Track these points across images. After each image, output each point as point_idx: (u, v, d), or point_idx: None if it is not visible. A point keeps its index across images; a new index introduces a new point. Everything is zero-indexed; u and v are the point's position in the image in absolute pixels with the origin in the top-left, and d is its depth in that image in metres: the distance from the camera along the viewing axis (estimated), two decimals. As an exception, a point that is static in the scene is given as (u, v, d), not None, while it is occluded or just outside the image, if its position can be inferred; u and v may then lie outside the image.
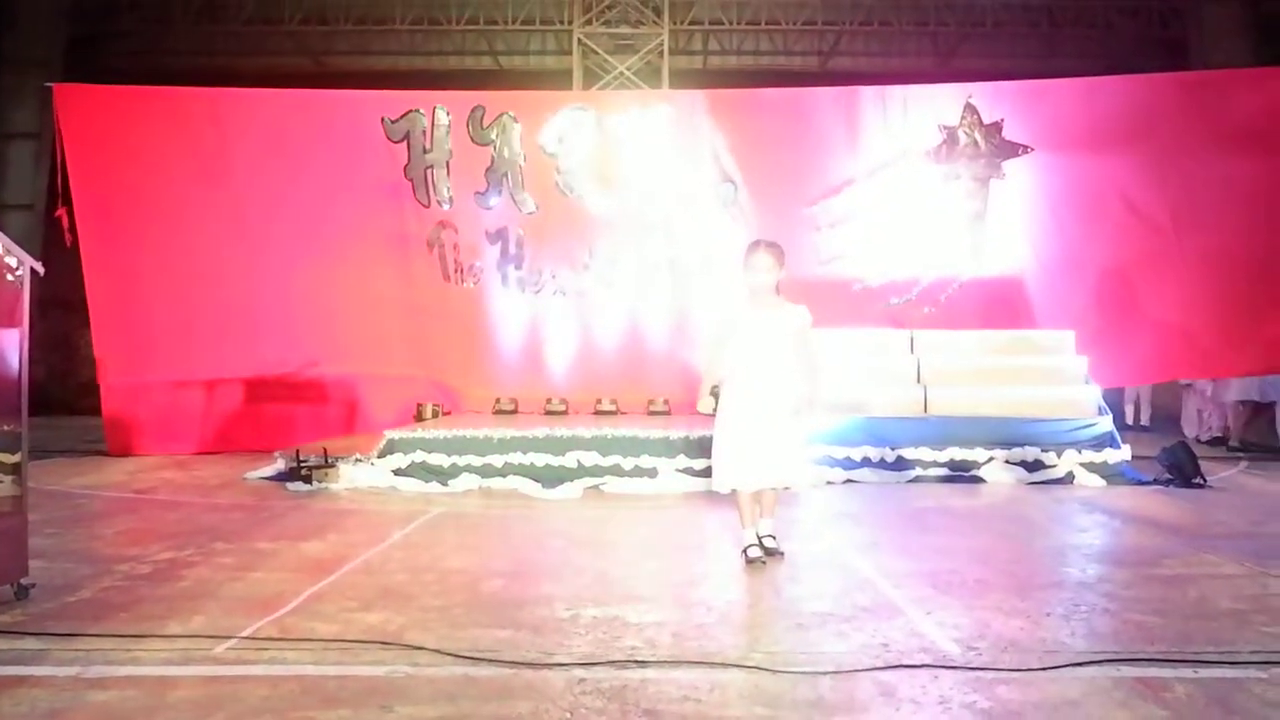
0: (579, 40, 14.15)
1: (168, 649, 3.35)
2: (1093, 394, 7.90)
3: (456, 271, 9.69)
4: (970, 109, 9.68)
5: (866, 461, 7.50)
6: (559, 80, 14.47)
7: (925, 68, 15.38)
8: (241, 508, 6.22)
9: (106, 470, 8.03)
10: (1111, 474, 7.34)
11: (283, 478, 7.25)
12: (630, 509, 6.39)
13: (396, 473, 7.16)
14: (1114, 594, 4.15)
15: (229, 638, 3.47)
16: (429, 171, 9.63)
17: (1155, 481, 7.27)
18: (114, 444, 8.97)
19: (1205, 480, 7.19)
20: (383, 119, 9.58)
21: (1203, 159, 9.18)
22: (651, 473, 7.14)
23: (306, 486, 6.96)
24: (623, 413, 9.07)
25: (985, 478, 7.41)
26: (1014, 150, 9.61)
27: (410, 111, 9.61)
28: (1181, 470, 7.21)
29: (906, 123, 9.73)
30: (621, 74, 13.81)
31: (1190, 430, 10.39)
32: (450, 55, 16.01)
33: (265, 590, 4.15)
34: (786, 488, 4.84)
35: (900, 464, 7.48)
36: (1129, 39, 14.93)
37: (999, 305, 9.43)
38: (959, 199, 9.68)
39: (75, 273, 9.06)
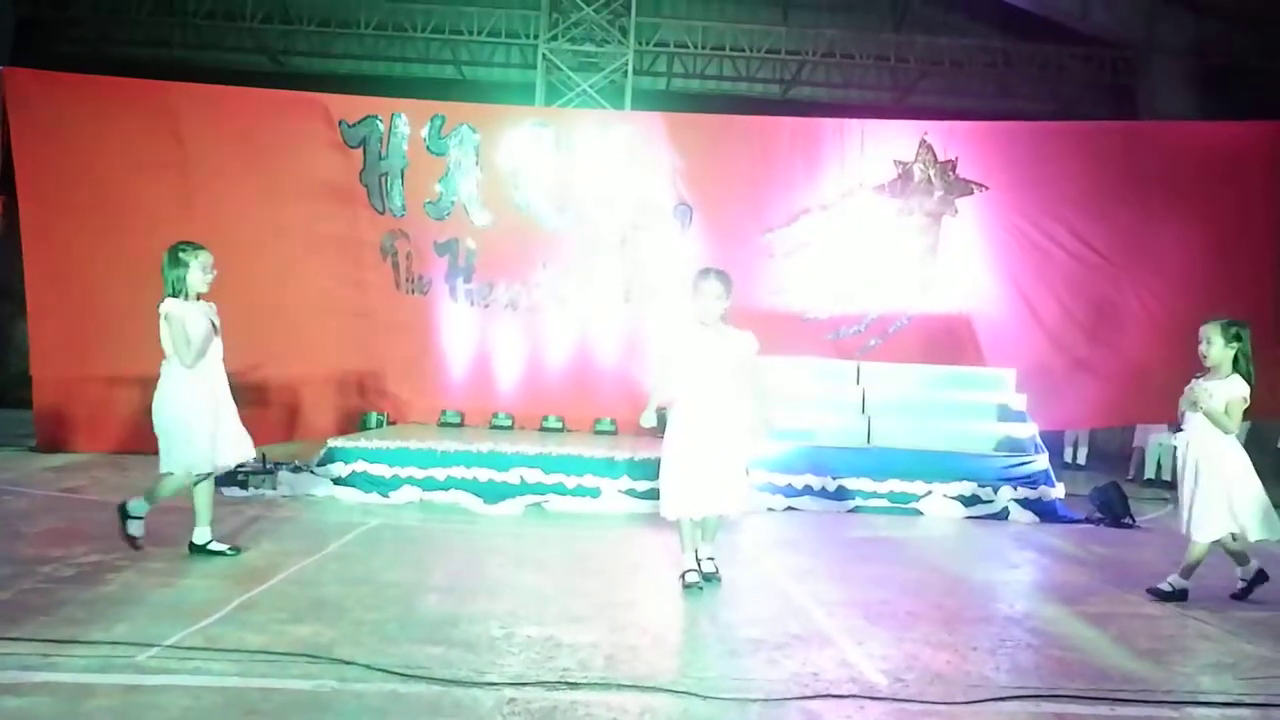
0: (543, 55, 14.21)
1: (88, 655, 3.30)
2: (1030, 431, 8.09)
3: (408, 280, 9.66)
4: (925, 146, 9.90)
5: (808, 490, 7.60)
6: (521, 94, 14.51)
7: (884, 102, 15.72)
8: (174, 511, 6.09)
9: (34, 466, 7.84)
10: (1045, 511, 7.53)
11: (219, 482, 7.11)
12: (572, 528, 6.40)
13: (336, 481, 7.10)
14: (1039, 630, 4.26)
15: (152, 646, 3.42)
16: (384, 179, 9.60)
17: (1086, 520, 7.47)
18: (44, 439, 8.76)
19: (1134, 520, 7.41)
20: (340, 122, 9.53)
21: (1150, 206, 9.48)
22: (595, 493, 7.15)
23: (243, 492, 6.88)
24: (569, 430, 9.07)
25: (923, 511, 7.55)
26: (968, 188, 9.84)
27: (368, 116, 9.58)
28: (1112, 510, 7.42)
29: (863, 156, 9.91)
30: (584, 91, 13.89)
31: (1148, 472, 10.55)
32: (413, 62, 15.99)
33: (194, 598, 4.10)
34: (725, 514, 4.89)
35: (841, 493, 7.60)
36: (1080, 84, 15.42)
37: (945, 341, 9.62)
38: (911, 234, 9.86)
39: (16, 260, 8.86)
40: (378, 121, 9.60)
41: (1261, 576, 4.95)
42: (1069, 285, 9.63)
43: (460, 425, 9.12)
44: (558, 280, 9.71)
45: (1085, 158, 9.63)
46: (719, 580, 4.79)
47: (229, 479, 7.03)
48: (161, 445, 4.86)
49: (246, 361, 9.00)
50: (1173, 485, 9.61)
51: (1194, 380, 4.98)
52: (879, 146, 9.91)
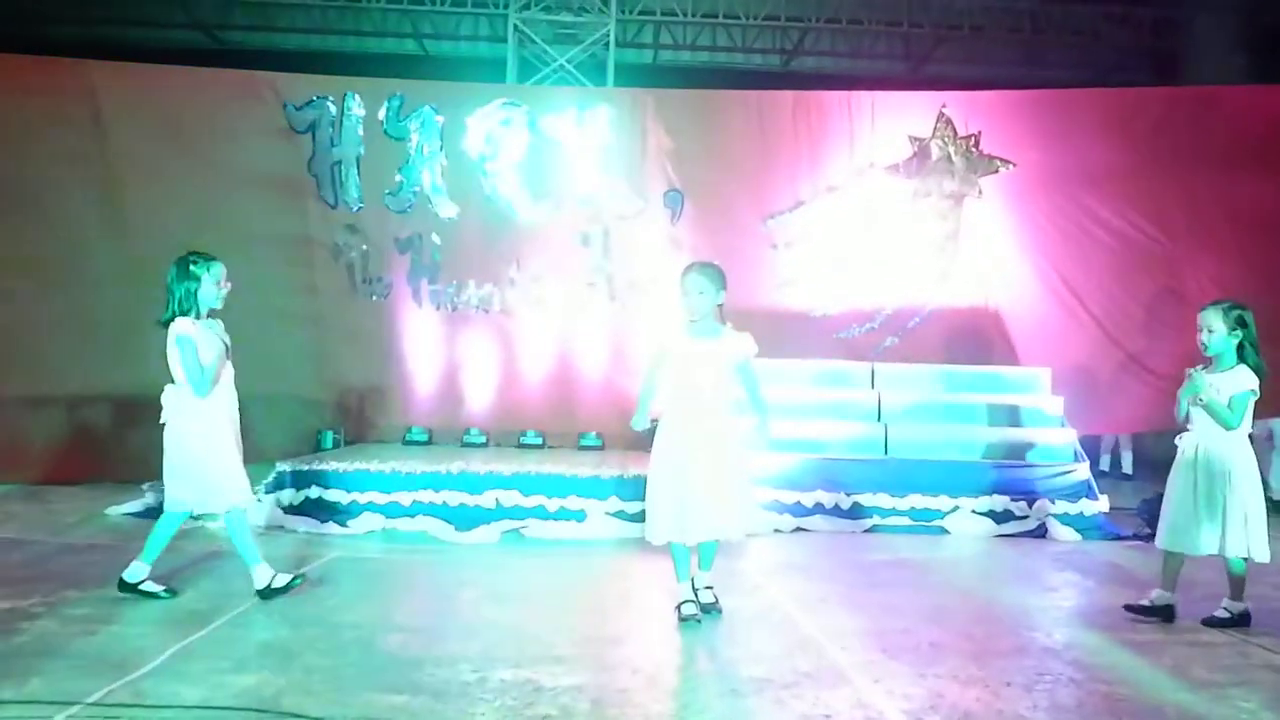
0: (515, 27, 14.19)
1: (-2, 716, 3.26)
2: (1068, 438, 8.09)
3: (365, 282, 9.63)
4: (944, 119, 9.91)
5: (819, 508, 7.58)
6: (491, 71, 14.47)
7: (896, 73, 15.72)
8: (100, 548, 6.07)
9: (-56, 501, 7.78)
10: (1087, 527, 7.53)
11: (152, 514, 7.04)
12: (554, 556, 6.38)
13: (287, 510, 7.07)
14: (1081, 662, 4.25)
15: (72, 704, 3.38)
16: (336, 168, 9.58)
17: (1134, 536, 7.46)
18: (-48, 469, 8.69)
19: (1187, 536, 7.38)
20: (285, 105, 9.51)
21: (1206, 179, 9.46)
22: (579, 516, 7.13)
23: (180, 524, 6.83)
24: (550, 447, 9.04)
25: (950, 529, 7.55)
26: (993, 165, 9.85)
27: (317, 98, 9.56)
28: (1162, 524, 7.40)
29: (874, 133, 9.92)
30: (562, 67, 13.87)
31: None
32: (368, 36, 15.93)
33: (122, 647, 4.06)
34: (726, 539, 4.88)
35: (856, 511, 7.59)
36: (1117, 49, 15.40)
37: (970, 338, 9.62)
38: (930, 219, 9.87)
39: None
40: (328, 103, 9.58)
41: (1247, 618, 4.90)
42: (1114, 271, 9.58)
43: (427, 444, 9.08)
44: (534, 279, 9.69)
45: (1125, 129, 9.62)
46: (719, 612, 4.78)
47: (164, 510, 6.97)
48: (170, 481, 4.91)
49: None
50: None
51: (1192, 370, 4.99)
52: (892, 121, 9.92)
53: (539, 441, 9.09)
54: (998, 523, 7.53)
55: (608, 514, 7.14)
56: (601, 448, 9.01)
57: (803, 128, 9.93)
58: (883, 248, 9.79)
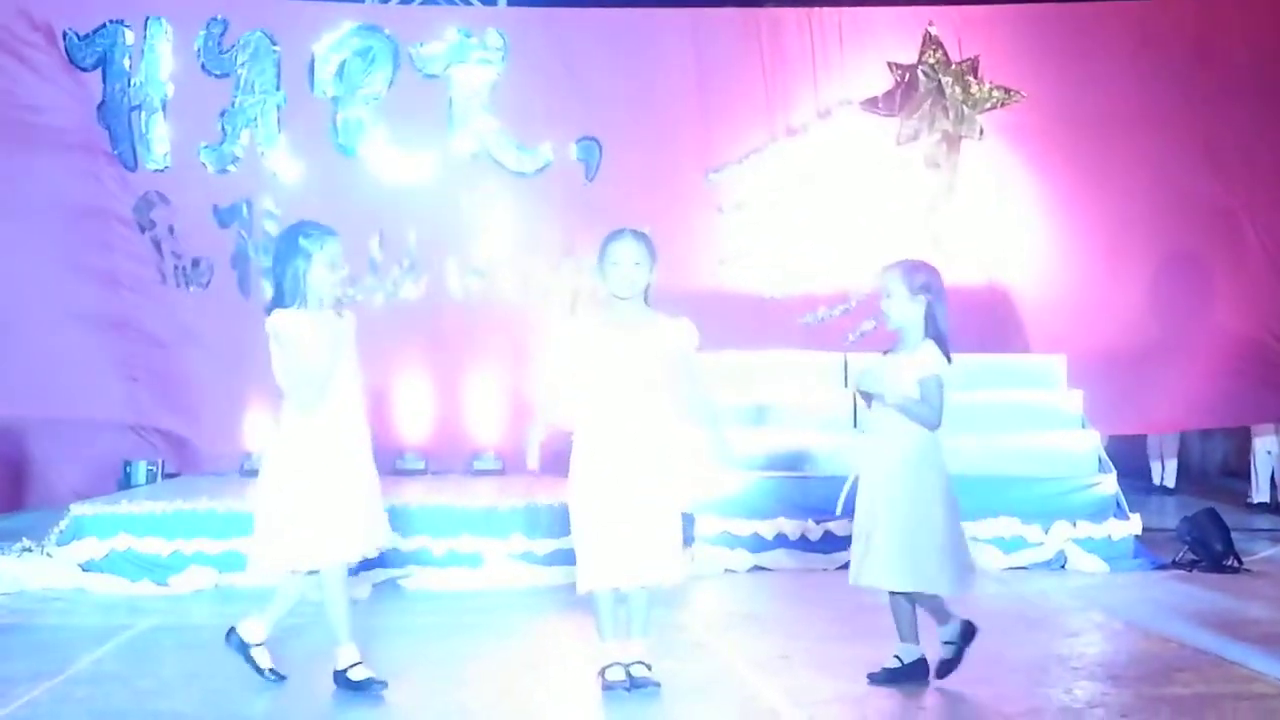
0: (375, -74, 14.11)
1: None
2: (1090, 442, 8.28)
3: (179, 269, 9.55)
4: (932, 41, 10.09)
5: (781, 540, 7.68)
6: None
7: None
8: None
9: None
10: (1115, 554, 7.71)
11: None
12: (442, 614, 6.39)
13: (87, 567, 6.99)
14: (1107, 723, 4.39)
15: None
16: (135, 115, 9.50)
17: (1174, 564, 7.68)
18: None
19: (1240, 561, 7.64)
20: (65, 33, 9.37)
21: (1259, 109, 9.78)
22: (474, 560, 7.15)
23: (-57, 593, 6.74)
24: (433, 472, 9.05)
25: (946, 562, 7.69)
26: (995, 98, 10.05)
27: (109, 23, 9.46)
28: (1209, 547, 7.64)
29: (843, 60, 10.09)
30: (438, -21, 13.82)
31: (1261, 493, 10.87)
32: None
33: None
34: (660, 584, 4.94)
35: (828, 543, 7.66)
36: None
37: (969, 320, 9.61)
38: (917, 168, 10.06)
39: None
40: (123, 30, 9.49)
41: (970, 630, 4.93)
42: (1151, 229, 9.83)
43: (272, 474, 9.03)
44: (403, 256, 9.66)
45: (1165, 49, 9.88)
46: (656, 684, 4.82)
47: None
48: (256, 527, 4.84)
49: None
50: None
51: (885, 355, 5.06)
52: (866, 45, 10.09)
53: (420, 466, 9.11)
54: (1006, 552, 7.68)
55: (510, 556, 7.15)
56: (500, 471, 9.04)
57: (752, 54, 10.06)
58: (858, 207, 9.95)
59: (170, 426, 9.43)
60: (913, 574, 4.83)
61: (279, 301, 4.83)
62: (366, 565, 6.97)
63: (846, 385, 8.75)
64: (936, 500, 4.88)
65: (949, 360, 4.94)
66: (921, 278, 4.97)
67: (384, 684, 4.77)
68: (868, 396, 5.03)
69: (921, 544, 4.82)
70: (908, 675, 4.91)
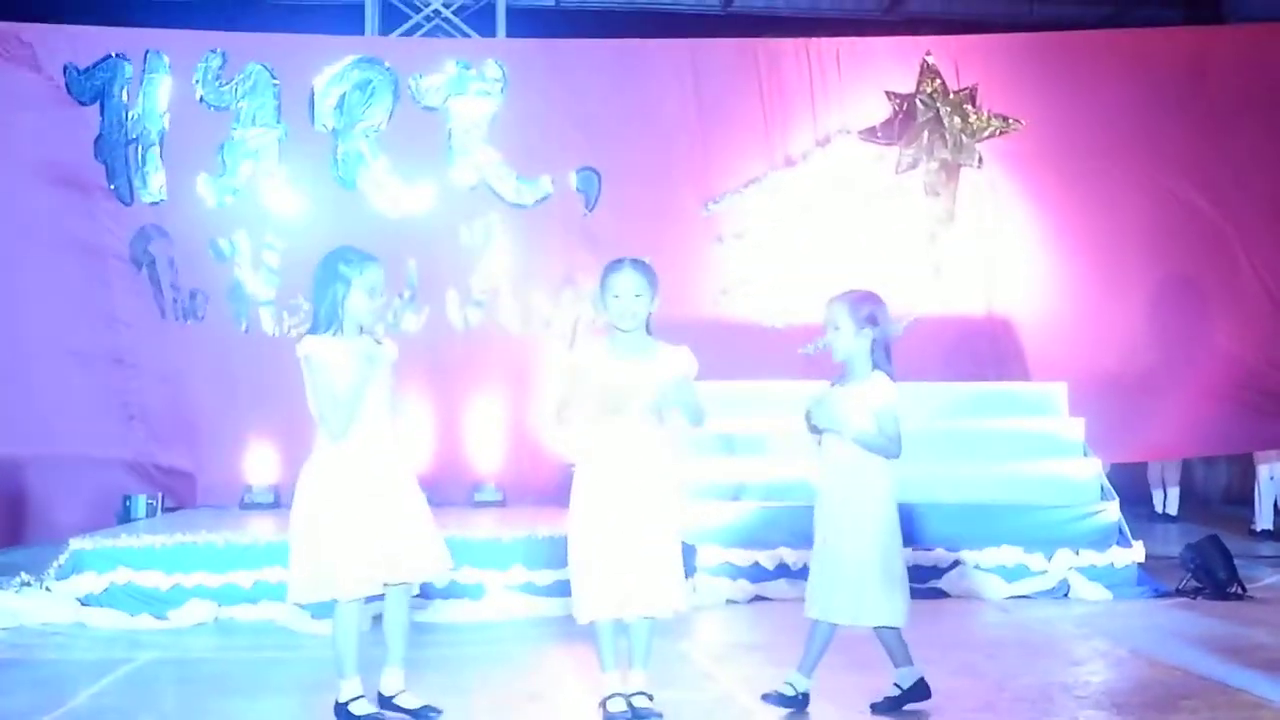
0: (374, -39, 14.20)
1: None
2: (1092, 469, 8.31)
3: (176, 302, 9.57)
4: (930, 71, 10.15)
5: (783, 570, 7.68)
6: (344, 20, 14.42)
7: (867, 11, 15.96)
8: None
9: None
10: (1119, 582, 7.72)
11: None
12: (443, 645, 6.38)
13: (86, 602, 6.98)
14: (1112, 751, 4.38)
15: None
16: (132, 149, 9.54)
17: (1178, 591, 7.68)
18: None
19: (1244, 588, 7.64)
20: (65, 67, 9.44)
21: (1254, 142, 9.86)
22: (475, 592, 7.15)
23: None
24: (434, 504, 8.99)
25: (948, 590, 7.69)
26: (995, 126, 10.10)
27: (109, 57, 9.52)
28: (1212, 574, 7.65)
29: (842, 90, 10.15)
30: (437, 13, 13.90)
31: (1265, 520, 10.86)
32: (180, -24, 15.82)
33: None
34: (662, 614, 4.93)
35: (831, 574, 7.68)
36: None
37: (969, 348, 9.83)
38: (917, 197, 10.11)
39: None
40: (124, 64, 9.54)
41: (924, 690, 4.94)
42: (1150, 255, 9.89)
43: (274, 505, 9.05)
44: (400, 287, 9.67)
45: (1161, 76, 9.93)
46: (658, 717, 4.81)
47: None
48: (291, 560, 4.80)
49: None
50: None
51: (833, 386, 5.07)
52: (864, 74, 10.15)
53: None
54: (1008, 581, 7.69)
55: (511, 588, 7.15)
56: (502, 503, 9.04)
57: (751, 85, 10.12)
58: (857, 237, 9.99)
59: (169, 462, 9.48)
60: (864, 607, 4.88)
61: (315, 328, 4.83)
62: (370, 598, 7.01)
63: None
64: (889, 530, 4.94)
65: None
66: (867, 309, 4.98)
67: (439, 712, 4.79)
68: (816, 430, 5.03)
69: (874, 575, 4.87)
70: (910, 698, 4.91)
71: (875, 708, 4.93)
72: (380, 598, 4.89)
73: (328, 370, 4.73)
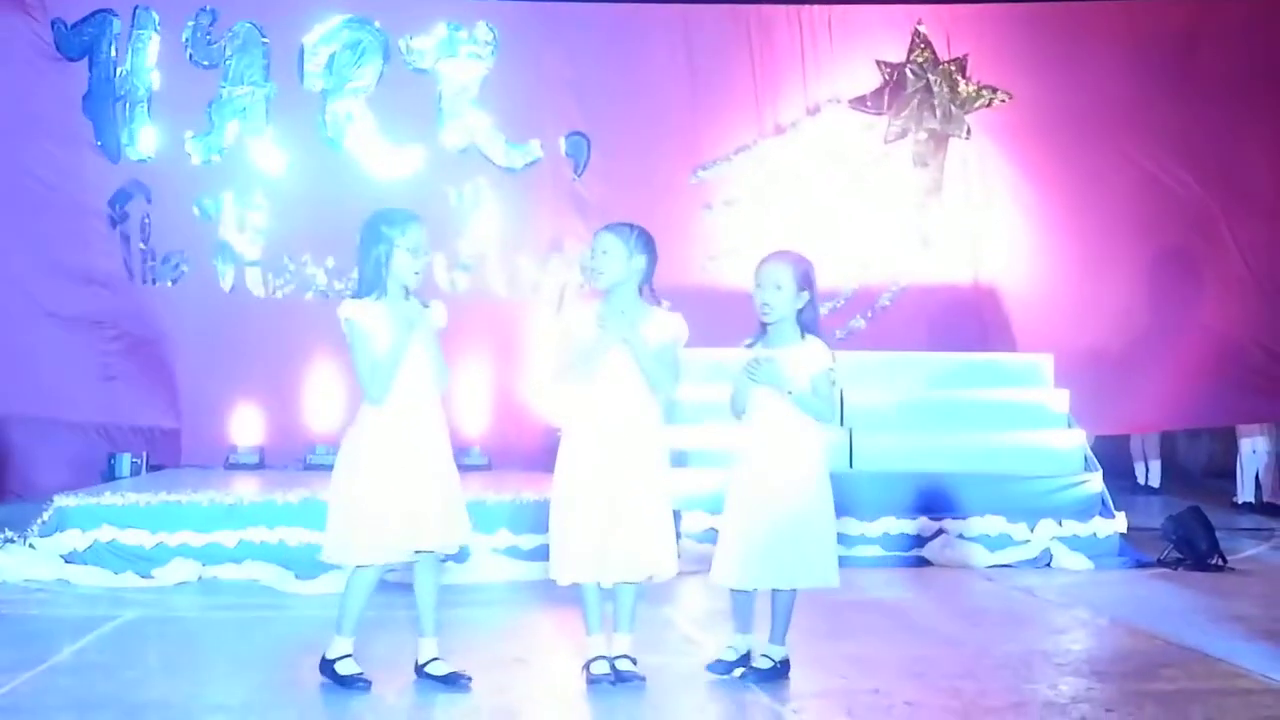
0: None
1: None
2: (1076, 440, 8.36)
3: (148, 262, 9.52)
4: (921, 40, 10.14)
5: (768, 537, 7.70)
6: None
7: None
8: None
9: None
10: (1101, 552, 7.77)
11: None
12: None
13: (70, 559, 6.97)
14: (1093, 718, 4.40)
15: None
16: (120, 106, 9.48)
17: (1159, 562, 7.73)
18: None
19: (1225, 560, 7.68)
20: (54, 22, 9.38)
21: (1242, 116, 9.85)
22: (460, 555, 7.10)
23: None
24: (419, 468, 9.04)
25: (931, 559, 7.73)
26: (983, 97, 10.09)
27: (98, 12, 9.44)
28: (1193, 545, 7.69)
29: (833, 58, 10.13)
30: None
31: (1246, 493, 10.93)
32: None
33: None
34: (649, 579, 4.94)
35: (814, 540, 7.71)
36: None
37: (954, 318, 9.84)
38: (905, 166, 10.11)
39: None
40: (112, 20, 9.47)
41: (787, 668, 4.91)
42: (1135, 229, 9.92)
43: (258, 466, 9.05)
44: (390, 253, 9.67)
45: (1154, 49, 9.94)
46: (641, 679, 4.82)
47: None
48: (327, 521, 4.77)
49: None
50: (1272, 510, 10.14)
51: (751, 348, 4.98)
52: (855, 42, 10.13)
53: (406, 461, 9.08)
54: (990, 550, 7.72)
55: (496, 551, 7.16)
56: (487, 467, 9.04)
57: (742, 52, 10.09)
58: (846, 205, 9.99)
59: (150, 423, 9.45)
60: (806, 570, 4.84)
61: (359, 291, 4.81)
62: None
63: (834, 384, 8.74)
64: (824, 494, 4.90)
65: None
66: (804, 270, 4.94)
67: (369, 684, 4.72)
68: (748, 389, 4.88)
69: (813, 538, 4.85)
70: (780, 674, 4.88)
71: (716, 668, 4.89)
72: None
73: (367, 334, 4.71)
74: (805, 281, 4.90)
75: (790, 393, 4.81)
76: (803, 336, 4.92)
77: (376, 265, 4.77)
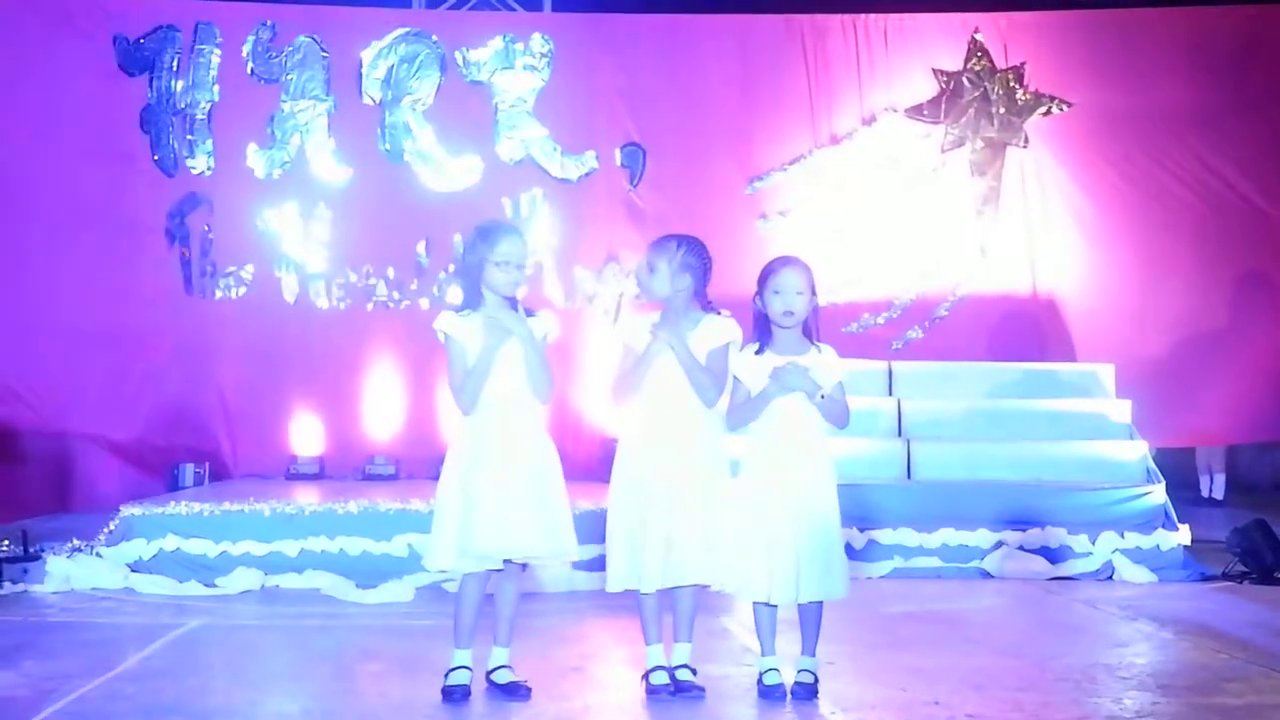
0: (422, -65, 14.20)
1: None
2: (1138, 451, 8.27)
3: (206, 276, 9.62)
4: (978, 48, 10.09)
5: (827, 547, 7.68)
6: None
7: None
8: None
9: None
10: (1164, 565, 7.67)
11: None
12: (483, 617, 6.36)
13: (136, 568, 7.07)
14: (1156, 732, 4.36)
15: None
16: (181, 121, 9.61)
17: (1224, 575, 7.63)
18: None
19: (1292, 572, 7.58)
20: (116, 38, 9.51)
21: None
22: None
23: (-8, 589, 6.82)
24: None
25: (992, 571, 7.66)
26: (1042, 106, 10.02)
27: (161, 28, 9.58)
28: (1259, 558, 7.58)
29: (889, 66, 10.11)
30: (483, -14, 13.89)
31: None
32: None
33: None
34: (707, 588, 4.93)
35: (872, 551, 7.68)
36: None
37: (1014, 328, 9.78)
38: (962, 176, 10.05)
39: None
40: (175, 35, 9.60)
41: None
42: (1199, 240, 9.82)
43: (318, 477, 9.13)
44: (445, 260, 9.75)
45: (1214, 56, 9.84)
46: (701, 690, 4.81)
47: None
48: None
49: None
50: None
51: (760, 355, 4.89)
52: (911, 51, 10.11)
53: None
54: (1052, 562, 7.65)
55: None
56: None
57: (796, 61, 10.08)
58: (902, 215, 9.95)
59: (214, 430, 9.56)
60: (842, 580, 4.88)
61: (462, 304, 4.89)
62: (410, 567, 6.96)
63: (891, 393, 8.74)
64: (837, 502, 4.92)
65: None
66: (812, 275, 4.98)
67: (528, 691, 4.79)
68: (770, 397, 4.79)
69: (839, 547, 4.92)
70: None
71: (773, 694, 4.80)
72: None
73: (456, 346, 4.78)
74: (814, 287, 4.95)
75: (823, 398, 4.78)
76: (812, 342, 4.92)
77: (471, 279, 4.86)
